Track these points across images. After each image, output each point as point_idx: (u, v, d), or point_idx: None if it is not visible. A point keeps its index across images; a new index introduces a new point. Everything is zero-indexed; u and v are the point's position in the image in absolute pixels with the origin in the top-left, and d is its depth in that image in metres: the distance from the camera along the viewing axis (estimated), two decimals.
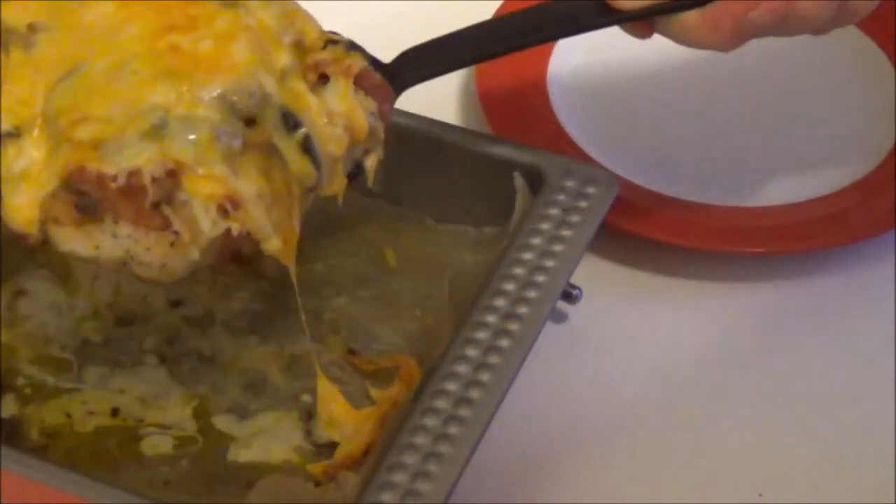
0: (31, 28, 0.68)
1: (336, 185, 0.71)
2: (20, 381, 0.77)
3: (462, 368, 0.69)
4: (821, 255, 0.85)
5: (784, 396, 0.79)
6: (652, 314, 0.83)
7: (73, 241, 0.67)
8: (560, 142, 0.89)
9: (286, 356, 0.78)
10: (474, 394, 0.68)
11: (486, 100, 0.90)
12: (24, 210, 0.67)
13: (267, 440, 0.74)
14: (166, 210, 0.65)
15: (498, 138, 0.83)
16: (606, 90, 0.95)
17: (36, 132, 0.67)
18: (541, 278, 0.73)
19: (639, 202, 0.86)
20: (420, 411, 0.67)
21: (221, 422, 0.75)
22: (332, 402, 0.74)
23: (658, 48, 0.97)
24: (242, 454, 0.74)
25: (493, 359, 0.70)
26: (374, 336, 0.79)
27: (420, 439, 0.66)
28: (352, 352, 0.78)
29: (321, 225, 0.83)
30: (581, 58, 0.96)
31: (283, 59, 0.69)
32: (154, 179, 0.64)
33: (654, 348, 0.81)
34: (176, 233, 0.66)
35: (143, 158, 0.64)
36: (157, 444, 0.74)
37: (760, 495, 0.74)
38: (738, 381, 0.80)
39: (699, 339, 0.82)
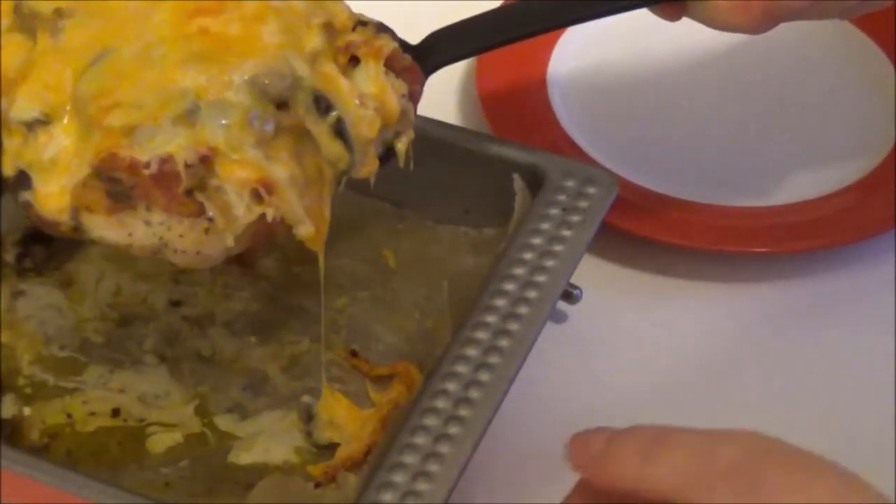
0: (58, 13, 0.68)
1: (368, 167, 0.70)
2: (20, 381, 0.77)
3: (462, 368, 0.69)
4: (821, 255, 0.85)
5: (784, 396, 0.79)
6: (652, 314, 0.83)
7: (105, 228, 0.66)
8: (560, 142, 0.89)
9: (286, 356, 0.78)
10: (474, 394, 0.68)
11: (486, 100, 0.90)
12: (55, 198, 0.66)
13: (267, 440, 0.74)
14: (200, 196, 0.65)
15: (498, 138, 0.83)
16: (606, 90, 0.95)
17: (66, 119, 0.66)
18: (541, 278, 0.73)
19: (639, 202, 0.86)
20: (420, 411, 0.67)
21: (223, 421, 0.75)
22: (334, 402, 0.74)
23: (658, 48, 0.97)
24: (243, 456, 0.74)
25: (493, 359, 0.70)
26: (374, 337, 0.79)
27: (420, 439, 0.66)
28: (353, 353, 0.78)
29: None
30: (581, 58, 0.96)
31: (314, 41, 0.68)
32: (187, 165, 0.64)
33: (654, 348, 0.81)
34: (210, 219, 0.65)
35: (175, 144, 0.64)
36: (162, 441, 0.74)
37: None
38: (738, 380, 0.80)
39: (699, 338, 0.82)
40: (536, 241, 0.75)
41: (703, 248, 0.84)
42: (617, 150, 0.90)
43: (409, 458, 0.65)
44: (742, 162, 0.90)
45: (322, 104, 0.67)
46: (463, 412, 0.67)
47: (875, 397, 0.79)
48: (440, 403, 0.67)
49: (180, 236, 0.66)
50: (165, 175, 0.64)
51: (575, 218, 0.76)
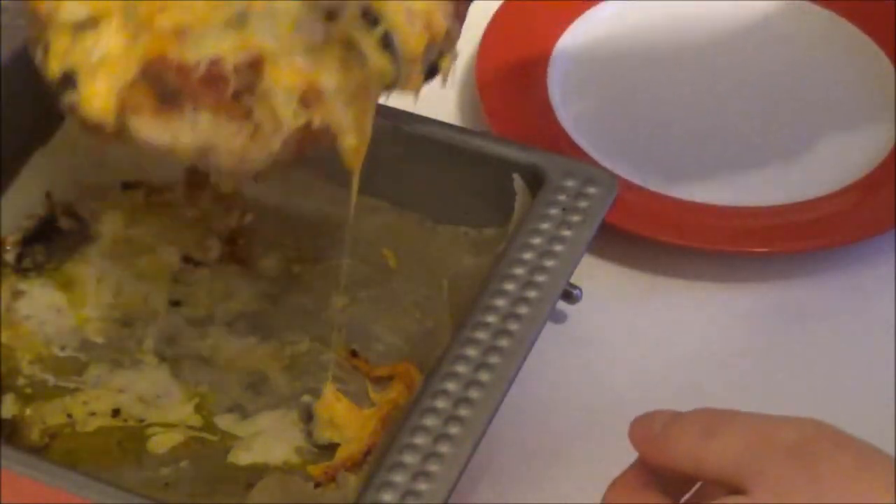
0: None
1: (413, 83, 0.69)
2: (20, 381, 0.77)
3: (462, 368, 0.69)
4: (821, 255, 0.85)
5: (784, 396, 0.79)
6: (652, 314, 0.83)
7: (150, 130, 0.66)
8: (560, 142, 0.89)
9: (286, 356, 0.78)
10: (474, 394, 0.68)
11: (487, 100, 0.90)
12: (100, 99, 0.65)
13: (268, 441, 0.74)
14: (248, 100, 0.64)
15: (498, 138, 0.83)
16: (606, 90, 0.95)
17: (114, 21, 0.65)
18: (541, 278, 0.73)
19: (639, 202, 0.86)
20: (420, 411, 0.67)
21: (223, 421, 0.75)
22: (334, 402, 0.74)
23: (659, 49, 0.97)
24: (243, 456, 0.74)
25: (493, 359, 0.70)
26: (374, 337, 0.79)
27: (420, 439, 0.66)
28: (353, 353, 0.78)
29: (321, 225, 0.84)
30: (581, 58, 0.96)
31: None
32: (236, 68, 0.64)
33: (655, 348, 0.81)
34: (257, 123, 0.65)
35: (225, 47, 0.64)
36: (163, 442, 0.74)
37: None
38: (738, 380, 0.80)
39: (699, 338, 0.82)
40: (536, 241, 0.75)
41: (703, 248, 0.84)
42: (617, 150, 0.90)
43: (409, 458, 0.66)
44: (742, 162, 0.90)
45: (370, 17, 0.66)
46: (463, 412, 0.67)
47: (875, 397, 0.79)
48: (440, 403, 0.67)
49: (226, 139, 0.65)
50: (214, 77, 0.64)
51: (575, 218, 0.76)
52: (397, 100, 0.83)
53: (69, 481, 0.66)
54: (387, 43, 0.67)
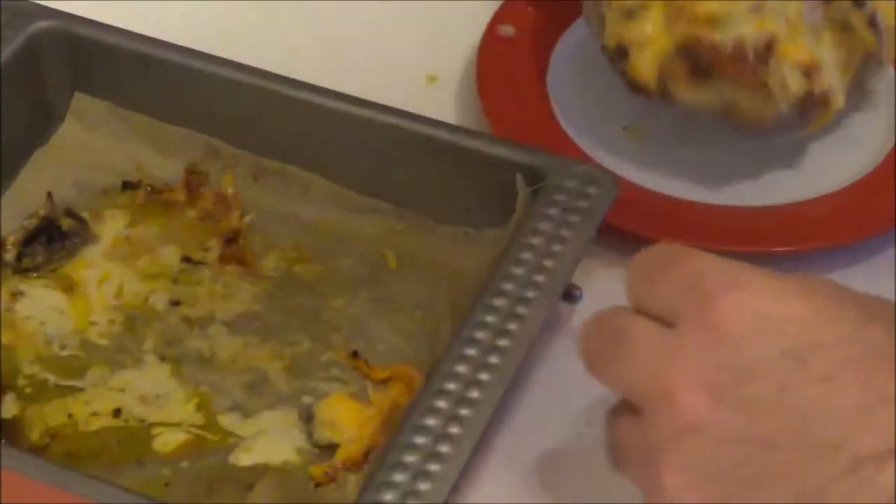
0: None
1: (889, 53, 0.85)
2: (21, 381, 0.77)
3: (462, 368, 0.69)
4: (821, 255, 0.85)
5: None
6: None
7: (685, 94, 0.83)
8: (560, 142, 0.89)
9: (286, 356, 0.78)
10: (474, 393, 0.68)
11: (486, 100, 0.90)
12: (646, 68, 0.83)
13: (268, 441, 0.74)
14: (762, 72, 0.81)
15: (498, 138, 0.83)
16: (606, 91, 0.95)
17: (657, 9, 0.83)
18: (541, 278, 0.73)
19: (639, 202, 0.86)
20: (420, 411, 0.67)
21: (224, 420, 0.75)
22: (335, 402, 0.74)
23: None
24: (244, 458, 0.74)
25: (493, 359, 0.70)
26: (375, 337, 0.79)
27: (420, 439, 0.66)
28: (354, 354, 0.78)
29: (321, 225, 0.84)
30: (581, 58, 0.96)
31: None
32: (755, 48, 0.80)
33: None
34: (769, 90, 0.81)
35: (746, 30, 0.80)
36: (168, 442, 0.74)
37: None
38: None
39: None
40: (536, 241, 0.75)
41: (703, 248, 0.84)
42: (617, 150, 0.90)
43: (410, 458, 0.66)
44: (742, 162, 0.90)
45: (860, 0, 0.83)
46: (463, 412, 0.67)
47: None
48: (440, 403, 0.68)
49: (744, 103, 0.82)
50: (737, 54, 0.80)
51: (575, 218, 0.76)
52: (397, 100, 0.83)
53: (69, 481, 0.66)
54: (873, 21, 0.83)
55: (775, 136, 0.86)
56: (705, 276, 0.60)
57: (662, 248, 0.63)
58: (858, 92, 0.89)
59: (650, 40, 0.83)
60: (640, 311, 0.62)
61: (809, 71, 0.81)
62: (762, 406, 0.57)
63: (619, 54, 0.85)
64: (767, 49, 0.81)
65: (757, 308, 0.59)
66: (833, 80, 0.83)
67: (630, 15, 0.84)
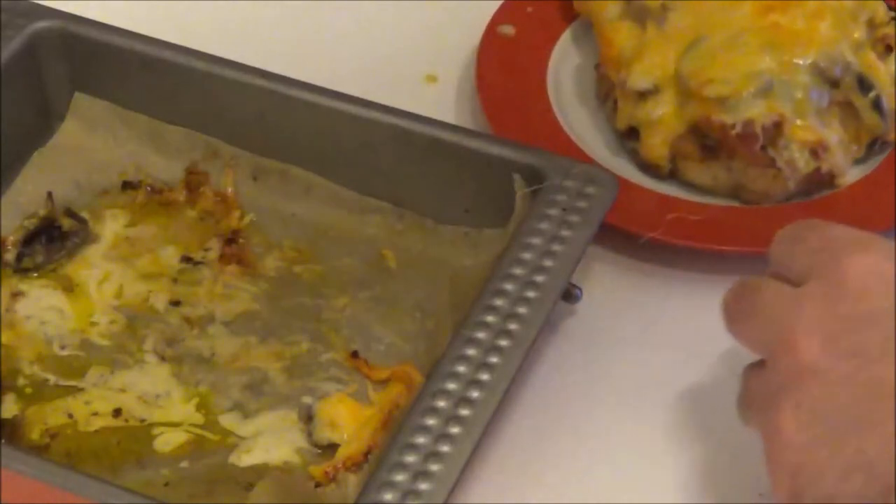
0: (664, 7, 0.88)
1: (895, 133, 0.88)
2: (21, 381, 0.77)
3: (462, 368, 0.69)
4: None
5: None
6: (652, 314, 0.83)
7: (696, 173, 0.86)
8: (560, 142, 0.89)
9: (286, 356, 0.78)
10: (474, 393, 0.68)
11: (486, 100, 0.90)
12: (657, 148, 0.86)
13: (269, 441, 0.74)
14: (771, 152, 0.84)
15: (498, 138, 0.83)
16: None
17: (669, 91, 0.86)
18: (541, 278, 0.73)
19: (639, 202, 0.86)
20: (420, 411, 0.67)
21: (225, 420, 0.75)
22: (335, 402, 0.74)
23: None
24: (244, 458, 0.74)
25: (493, 359, 0.70)
26: (375, 337, 0.79)
27: (421, 439, 0.66)
28: (354, 354, 0.78)
29: (321, 225, 0.84)
30: (581, 58, 0.96)
31: (860, 33, 0.86)
32: (763, 128, 0.83)
33: (655, 348, 0.81)
34: (778, 168, 0.84)
35: (755, 112, 0.84)
36: (170, 441, 0.74)
37: (760, 495, 0.74)
38: (738, 380, 0.80)
39: (699, 338, 0.82)
40: (536, 241, 0.75)
41: (703, 248, 0.84)
42: (617, 150, 0.90)
43: (410, 458, 0.66)
44: None
45: (865, 84, 0.86)
46: (463, 412, 0.67)
47: None
48: (440, 403, 0.68)
49: (753, 181, 0.85)
50: (747, 135, 0.84)
51: (575, 218, 0.76)
52: (397, 100, 0.83)
53: (69, 481, 0.66)
54: (877, 105, 0.86)
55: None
56: (836, 241, 0.66)
57: (804, 222, 0.69)
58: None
59: (662, 121, 0.86)
60: (778, 275, 0.68)
61: (817, 150, 0.84)
62: (871, 353, 0.62)
63: (631, 135, 0.88)
64: (776, 129, 0.84)
65: (879, 268, 0.64)
66: (840, 158, 0.85)
67: (643, 97, 0.87)
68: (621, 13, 0.90)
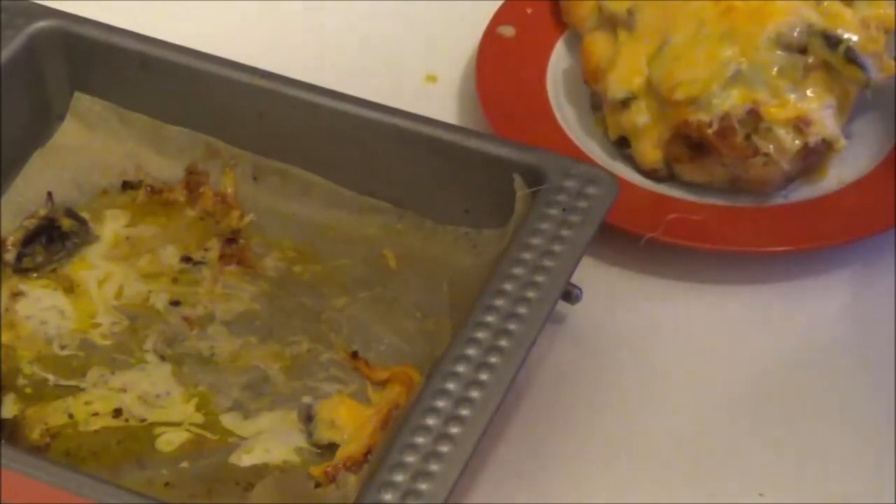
0: (630, 11, 0.87)
1: (885, 70, 0.86)
2: (21, 380, 0.77)
3: (462, 368, 0.69)
4: (821, 254, 0.85)
5: (782, 394, 0.79)
6: (652, 314, 0.83)
7: (691, 173, 0.86)
8: (559, 142, 0.89)
9: (286, 356, 0.78)
10: (474, 393, 0.68)
11: (486, 100, 0.90)
12: (650, 154, 0.86)
13: (269, 441, 0.74)
14: (755, 139, 0.83)
15: (498, 138, 0.83)
16: None
17: (643, 99, 0.86)
18: (541, 278, 0.73)
19: (639, 202, 0.86)
20: (420, 411, 0.67)
21: (225, 420, 0.75)
22: (335, 402, 0.75)
23: None
24: (245, 458, 0.74)
25: (493, 359, 0.70)
26: (375, 337, 0.79)
27: (421, 439, 0.66)
28: (354, 354, 0.78)
29: (321, 225, 0.84)
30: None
31: None
32: (739, 120, 0.82)
33: (654, 348, 0.81)
34: (766, 154, 0.83)
35: (729, 104, 0.83)
36: (172, 441, 0.74)
37: (761, 495, 0.74)
38: (737, 380, 0.80)
39: (698, 338, 0.82)
40: (536, 241, 0.75)
41: (702, 249, 0.84)
42: (616, 149, 0.90)
43: (410, 458, 0.66)
44: None
45: (831, 40, 0.84)
46: (463, 412, 0.67)
47: (875, 396, 0.79)
48: (440, 403, 0.68)
49: (747, 171, 0.84)
50: (725, 130, 0.83)
51: (575, 218, 0.76)
52: (397, 100, 0.83)
53: (69, 481, 0.66)
54: (850, 55, 0.84)
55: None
56: None
57: None
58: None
59: (648, 128, 0.86)
60: None
61: (800, 125, 0.83)
62: None
63: (622, 144, 0.88)
64: (754, 116, 0.83)
65: None
66: (828, 125, 0.84)
67: (625, 105, 0.86)
68: (597, 23, 0.90)
